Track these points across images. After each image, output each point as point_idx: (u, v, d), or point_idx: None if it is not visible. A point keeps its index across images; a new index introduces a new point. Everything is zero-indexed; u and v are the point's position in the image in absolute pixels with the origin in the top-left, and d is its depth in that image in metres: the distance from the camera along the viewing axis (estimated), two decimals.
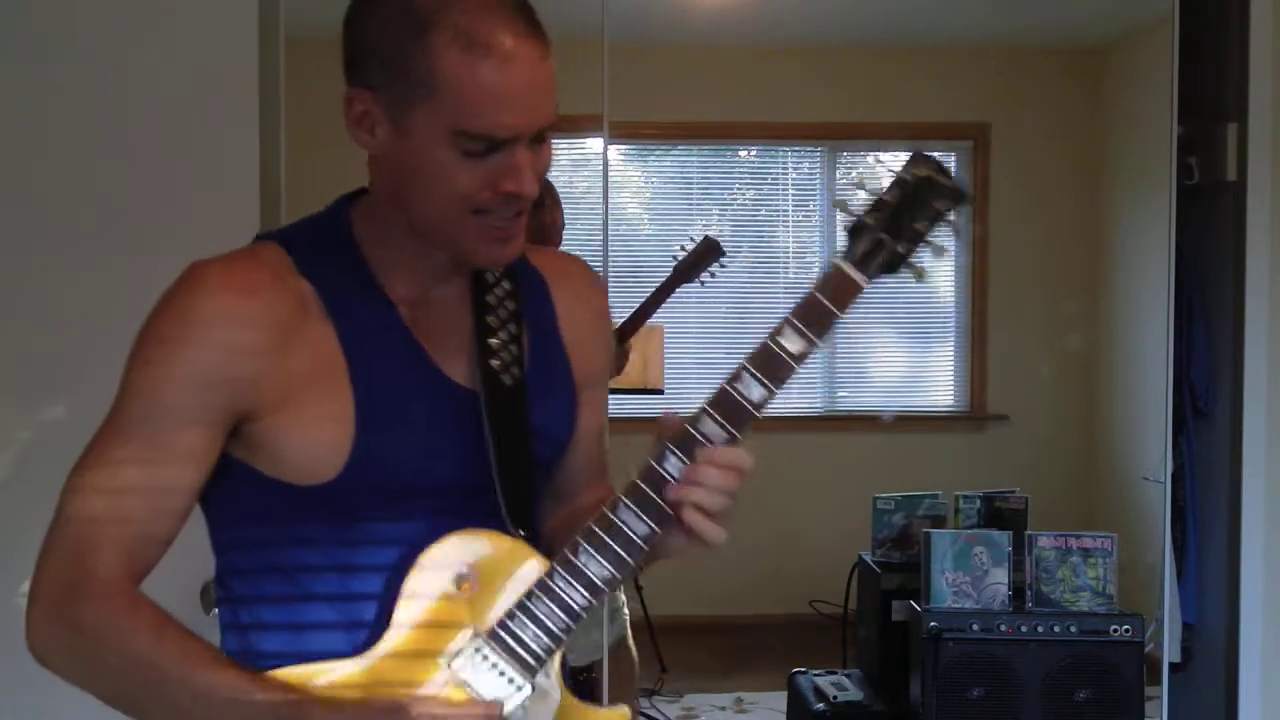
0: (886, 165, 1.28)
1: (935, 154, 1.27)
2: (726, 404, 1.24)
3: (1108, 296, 6.02)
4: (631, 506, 1.23)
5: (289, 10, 2.57)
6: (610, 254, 3.63)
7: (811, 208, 6.15)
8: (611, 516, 1.24)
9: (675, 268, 3.65)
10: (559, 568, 1.24)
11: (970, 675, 3.59)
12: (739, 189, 6.07)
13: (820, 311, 1.25)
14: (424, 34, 1.19)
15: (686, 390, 4.69)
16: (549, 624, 1.23)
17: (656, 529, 1.24)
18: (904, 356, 5.90)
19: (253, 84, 2.41)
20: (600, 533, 1.23)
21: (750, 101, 5.98)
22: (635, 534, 1.23)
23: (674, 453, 1.24)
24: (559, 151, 1.67)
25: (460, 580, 1.23)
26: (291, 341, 1.25)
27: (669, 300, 3.60)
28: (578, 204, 4.67)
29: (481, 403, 1.30)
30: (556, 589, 1.23)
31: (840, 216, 1.28)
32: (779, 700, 4.24)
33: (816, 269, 4.79)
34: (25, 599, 1.23)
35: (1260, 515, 3.19)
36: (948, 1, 5.45)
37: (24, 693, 1.23)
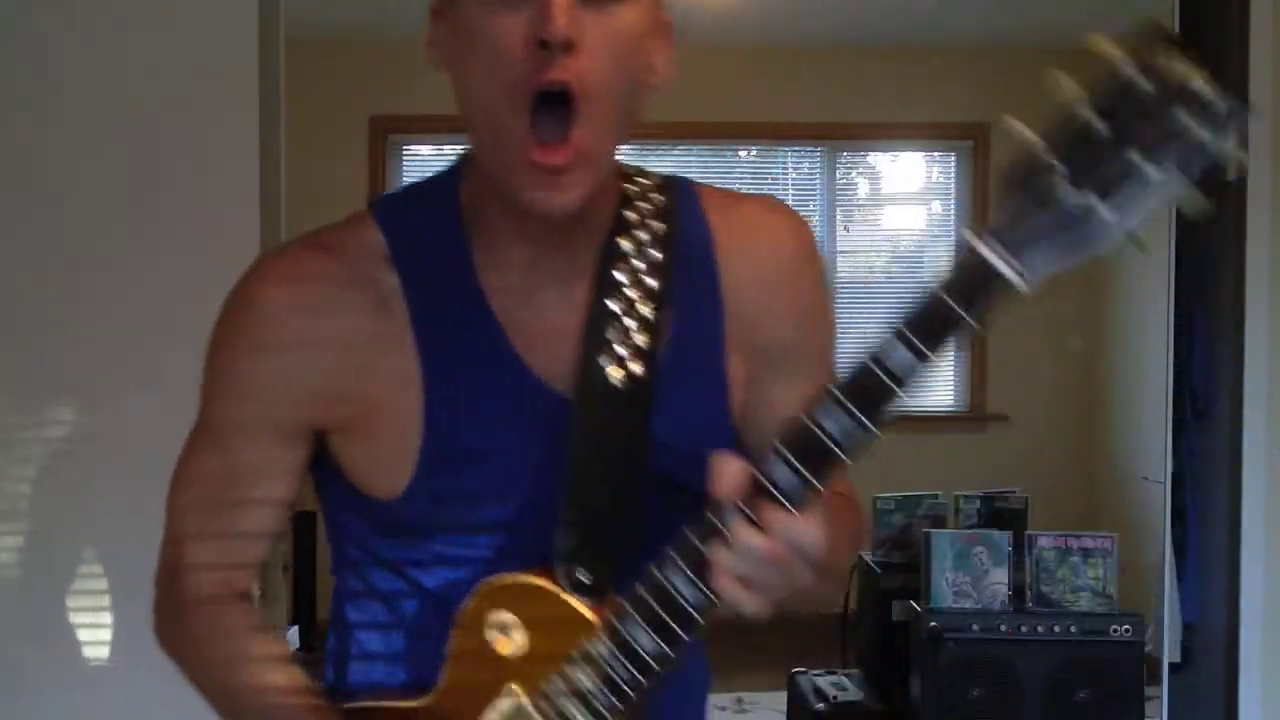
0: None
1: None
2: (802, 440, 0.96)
3: (1108, 296, 6.02)
4: (682, 567, 0.99)
5: (289, 10, 2.57)
6: None
7: (811, 207, 6.13)
8: (660, 578, 1.00)
9: None
10: (604, 637, 1.03)
11: (970, 675, 3.59)
12: (739, 189, 6.09)
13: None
14: None
15: None
16: (595, 704, 1.03)
17: (715, 598, 1.00)
18: None
19: (253, 84, 2.42)
20: (648, 599, 1.01)
21: (750, 101, 5.98)
22: (688, 601, 1.00)
23: (738, 508, 0.97)
24: None
25: (499, 631, 1.07)
26: (359, 340, 1.12)
27: None
28: None
29: (574, 410, 1.10)
30: (600, 660, 1.03)
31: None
32: (779, 700, 4.25)
33: None
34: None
35: (1260, 515, 3.18)
36: (947, 1, 5.45)
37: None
